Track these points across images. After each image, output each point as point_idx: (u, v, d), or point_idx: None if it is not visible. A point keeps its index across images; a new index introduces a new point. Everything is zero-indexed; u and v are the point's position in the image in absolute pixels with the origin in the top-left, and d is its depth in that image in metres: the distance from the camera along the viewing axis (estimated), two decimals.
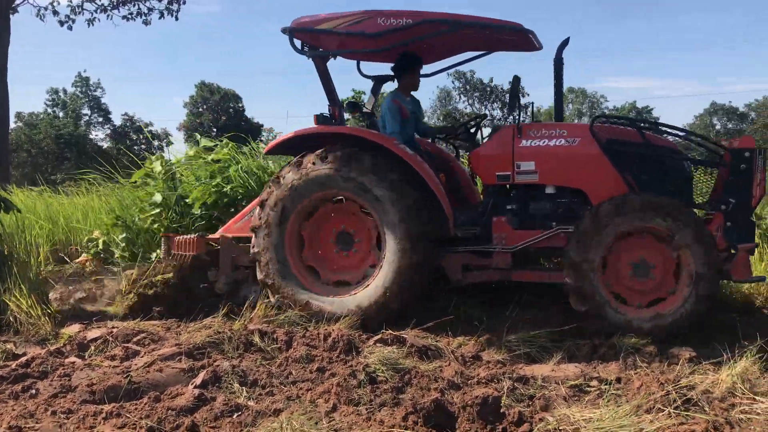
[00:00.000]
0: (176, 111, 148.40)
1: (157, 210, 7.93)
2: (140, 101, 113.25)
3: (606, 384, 4.00)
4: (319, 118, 6.07)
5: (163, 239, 6.88)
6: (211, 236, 6.52)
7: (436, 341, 5.06)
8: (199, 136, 10.15)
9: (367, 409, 3.59)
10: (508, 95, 6.00)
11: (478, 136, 6.81)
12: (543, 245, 5.67)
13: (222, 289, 6.24)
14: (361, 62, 6.77)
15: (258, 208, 5.90)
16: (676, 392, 3.64)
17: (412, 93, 6.52)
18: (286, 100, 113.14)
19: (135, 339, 5.12)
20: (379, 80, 6.91)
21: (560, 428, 2.81)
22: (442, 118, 66.35)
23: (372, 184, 5.48)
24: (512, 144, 5.75)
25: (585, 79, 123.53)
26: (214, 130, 53.80)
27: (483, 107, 66.85)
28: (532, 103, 5.90)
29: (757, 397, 3.59)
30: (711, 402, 3.62)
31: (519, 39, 5.94)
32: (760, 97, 68.55)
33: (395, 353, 4.52)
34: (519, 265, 5.76)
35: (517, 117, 5.79)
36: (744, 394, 3.66)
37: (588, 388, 4.00)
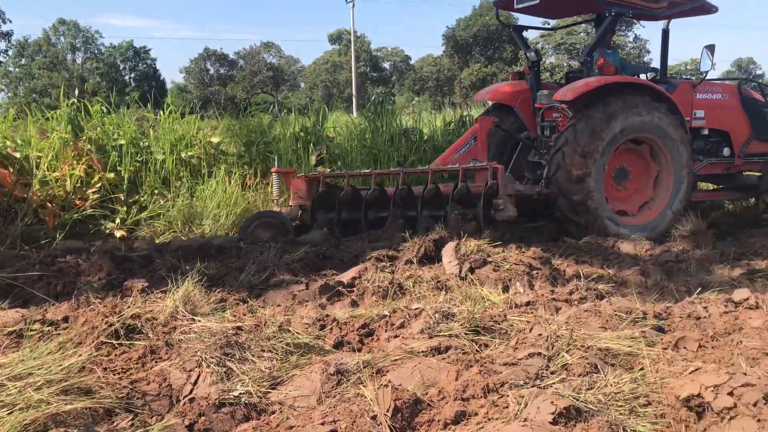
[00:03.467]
0: None
1: None
2: None
3: (50, 325, 3.79)
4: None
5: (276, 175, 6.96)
6: (494, 165, 6.54)
7: None
8: None
9: None
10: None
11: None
12: (697, 173, 7.56)
13: (512, 216, 6.33)
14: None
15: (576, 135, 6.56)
16: (120, 323, 3.65)
17: None
18: None
19: None
20: (518, 29, 8.01)
21: None
22: None
23: (674, 130, 6.92)
24: (692, 96, 7.56)
25: (81, 13, 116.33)
26: None
27: None
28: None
29: (196, 318, 3.83)
30: (155, 328, 3.73)
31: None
32: (248, 46, 74.81)
33: None
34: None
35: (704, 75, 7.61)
36: (185, 315, 3.87)
37: (31, 333, 3.71)
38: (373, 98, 9.91)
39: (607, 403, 2.37)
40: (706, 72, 7.48)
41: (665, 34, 7.62)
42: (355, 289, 4.73)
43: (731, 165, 7.96)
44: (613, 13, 7.06)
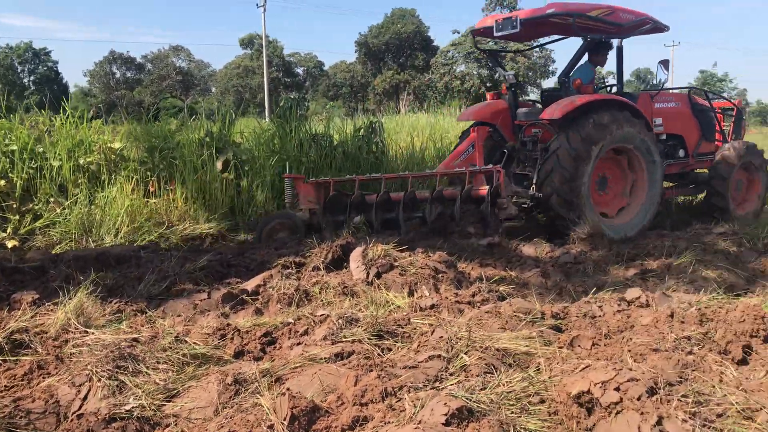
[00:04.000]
0: None
1: None
2: None
3: None
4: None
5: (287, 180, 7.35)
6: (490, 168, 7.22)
7: None
8: None
9: None
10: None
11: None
12: None
13: (513, 214, 7.09)
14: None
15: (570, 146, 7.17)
16: (4, 338, 3.45)
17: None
18: None
19: None
20: (493, 53, 9.41)
21: None
22: None
23: (647, 139, 7.62)
24: (651, 106, 8.34)
25: None
26: None
27: None
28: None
29: (89, 330, 3.67)
30: (44, 342, 3.55)
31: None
32: (156, 50, 72.87)
33: None
34: None
35: (662, 85, 8.46)
36: (77, 328, 3.69)
37: None
38: (282, 103, 9.82)
39: (499, 402, 2.42)
40: (663, 83, 8.37)
41: (620, 51, 8.21)
42: (259, 297, 4.65)
43: (686, 164, 8.96)
44: (588, 39, 7.79)
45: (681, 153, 8.86)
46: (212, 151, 8.10)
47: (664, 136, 8.65)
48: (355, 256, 5.28)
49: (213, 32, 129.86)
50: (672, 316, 3.78)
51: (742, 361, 3.31)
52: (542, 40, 9.68)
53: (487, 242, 6.48)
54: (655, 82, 8.45)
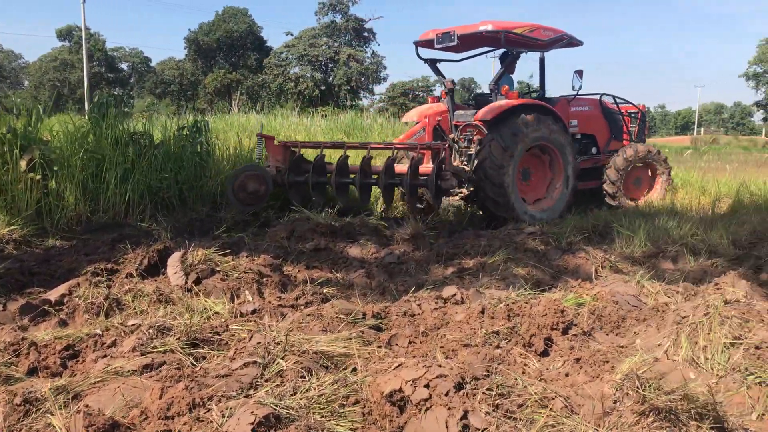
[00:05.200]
0: None
1: None
2: None
3: None
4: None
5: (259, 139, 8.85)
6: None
7: None
8: None
9: None
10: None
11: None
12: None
13: (453, 187, 7.96)
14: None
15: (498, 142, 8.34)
16: None
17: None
18: None
19: None
20: (433, 62, 9.75)
21: None
22: None
23: (563, 137, 8.93)
24: (568, 109, 9.63)
25: None
26: None
27: None
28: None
29: None
30: None
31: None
32: None
33: None
34: None
35: (578, 90, 9.60)
36: None
37: None
38: (96, 99, 9.18)
39: (309, 406, 2.39)
40: (577, 90, 9.63)
41: (542, 62, 9.56)
42: (64, 307, 4.29)
43: (598, 160, 10.19)
44: (514, 52, 9.21)
45: (593, 150, 10.16)
46: (15, 149, 7.38)
47: (579, 136, 9.85)
48: (173, 261, 5.04)
49: (26, 21, 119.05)
50: (483, 312, 3.97)
51: (544, 353, 3.54)
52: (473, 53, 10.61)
53: (313, 246, 6.47)
54: (575, 87, 9.67)
